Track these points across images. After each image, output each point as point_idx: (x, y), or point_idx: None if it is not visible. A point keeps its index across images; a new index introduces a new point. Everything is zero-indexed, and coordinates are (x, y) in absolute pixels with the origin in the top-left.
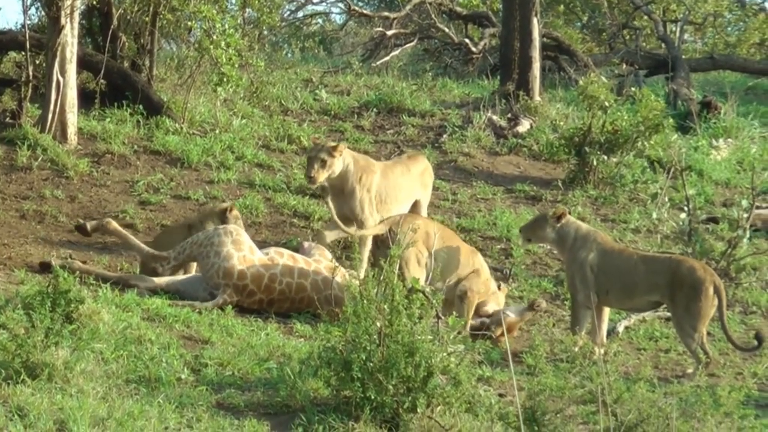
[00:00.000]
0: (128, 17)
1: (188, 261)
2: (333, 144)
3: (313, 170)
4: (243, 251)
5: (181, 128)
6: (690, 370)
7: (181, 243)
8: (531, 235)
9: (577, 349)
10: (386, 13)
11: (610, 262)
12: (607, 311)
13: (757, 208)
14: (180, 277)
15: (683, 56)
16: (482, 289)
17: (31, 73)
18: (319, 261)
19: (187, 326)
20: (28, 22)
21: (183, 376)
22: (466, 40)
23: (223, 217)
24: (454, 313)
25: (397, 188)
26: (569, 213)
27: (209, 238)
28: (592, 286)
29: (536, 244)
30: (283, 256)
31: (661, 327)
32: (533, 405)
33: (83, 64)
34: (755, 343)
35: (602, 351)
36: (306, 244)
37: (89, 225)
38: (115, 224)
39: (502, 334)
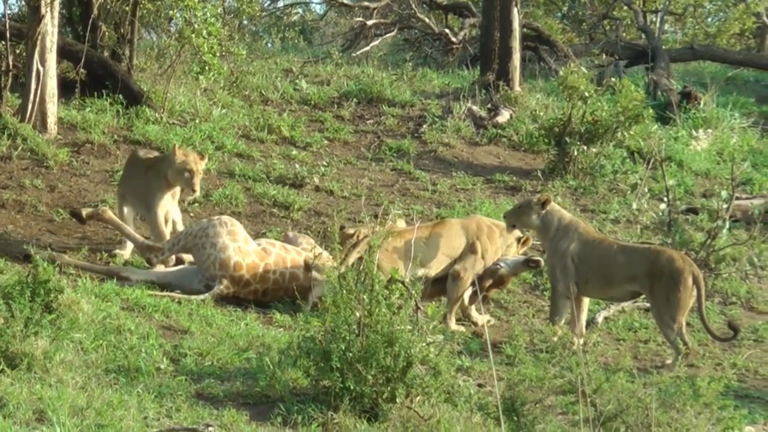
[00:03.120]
0: (108, 7)
1: (182, 252)
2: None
3: None
4: (238, 242)
5: (161, 118)
6: (669, 361)
7: (175, 234)
8: (515, 221)
9: (556, 339)
10: (366, 3)
11: (590, 252)
12: (586, 301)
13: (737, 198)
14: (172, 269)
15: (663, 47)
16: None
17: (11, 63)
18: (307, 250)
19: (167, 316)
20: (8, 11)
21: (162, 366)
22: (446, 31)
23: None
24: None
25: None
26: (553, 200)
27: (204, 230)
28: (572, 276)
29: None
30: (275, 246)
31: (641, 317)
32: (512, 395)
33: (63, 53)
34: (731, 333)
35: (581, 341)
36: (290, 234)
37: (84, 212)
38: (110, 213)
39: (492, 286)
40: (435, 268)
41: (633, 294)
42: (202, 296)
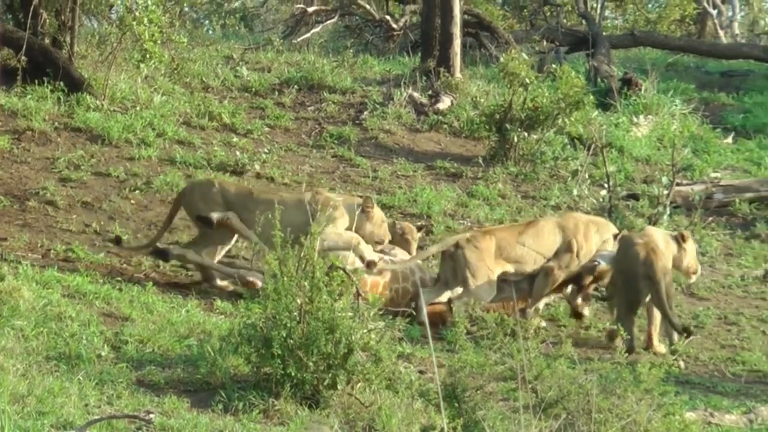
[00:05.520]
0: None
1: None
2: None
3: None
4: None
5: (102, 105)
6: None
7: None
8: None
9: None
10: None
11: None
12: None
13: (678, 185)
14: None
15: (604, 33)
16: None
17: None
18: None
19: (108, 303)
20: None
21: (103, 353)
22: (387, 17)
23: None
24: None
25: None
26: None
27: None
28: None
29: (457, 222)
30: None
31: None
32: (453, 382)
33: (4, 40)
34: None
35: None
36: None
37: (212, 216)
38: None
39: (592, 282)
40: (529, 267)
41: None
42: None
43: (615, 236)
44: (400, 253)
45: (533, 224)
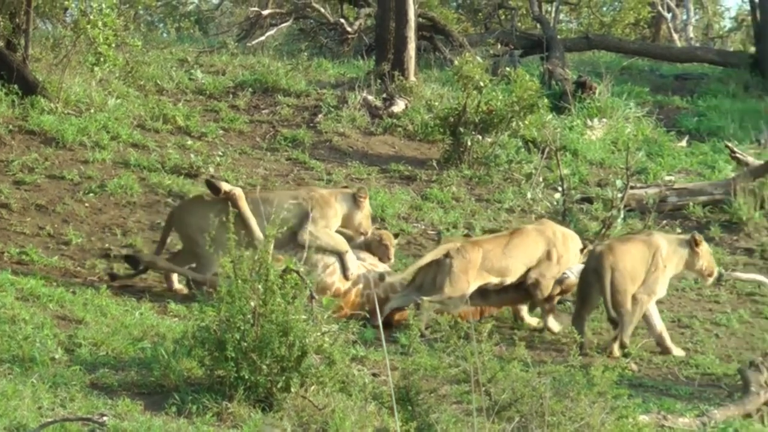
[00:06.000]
0: None
1: None
2: None
3: None
4: None
5: (56, 108)
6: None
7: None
8: None
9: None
10: None
11: None
12: None
13: (632, 188)
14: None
15: (558, 36)
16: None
17: None
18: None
19: (61, 306)
20: None
21: (57, 356)
22: (342, 20)
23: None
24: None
25: None
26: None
27: None
28: None
29: (411, 225)
30: None
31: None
32: (407, 384)
33: None
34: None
35: None
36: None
37: (222, 185)
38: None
39: (559, 294)
40: (514, 277)
41: None
42: None
43: (581, 250)
44: (369, 259)
45: (517, 234)
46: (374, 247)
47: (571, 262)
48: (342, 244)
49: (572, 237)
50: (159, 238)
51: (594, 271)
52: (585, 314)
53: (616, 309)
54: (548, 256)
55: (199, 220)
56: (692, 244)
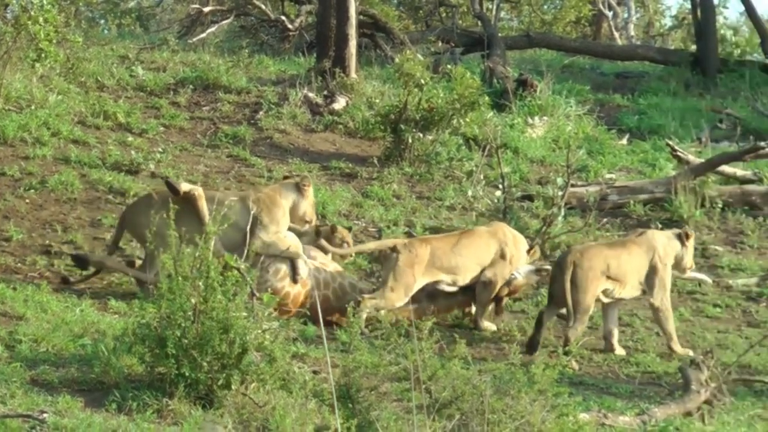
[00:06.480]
0: None
1: None
2: None
3: None
4: None
5: None
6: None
7: None
8: None
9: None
10: None
11: None
12: None
13: (572, 186)
14: None
15: (499, 34)
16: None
17: None
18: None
19: (2, 302)
20: None
21: None
22: (283, 17)
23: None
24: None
25: None
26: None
27: None
28: None
29: (352, 222)
30: None
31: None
32: (347, 382)
33: None
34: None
35: None
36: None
37: (182, 186)
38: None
39: (507, 294)
40: (465, 277)
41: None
42: None
43: (527, 251)
44: (320, 257)
45: (468, 234)
46: (335, 245)
47: (520, 263)
48: (294, 248)
49: (521, 239)
50: (111, 239)
51: (557, 265)
52: (552, 312)
53: (574, 306)
54: (502, 255)
55: (149, 220)
56: (683, 239)
